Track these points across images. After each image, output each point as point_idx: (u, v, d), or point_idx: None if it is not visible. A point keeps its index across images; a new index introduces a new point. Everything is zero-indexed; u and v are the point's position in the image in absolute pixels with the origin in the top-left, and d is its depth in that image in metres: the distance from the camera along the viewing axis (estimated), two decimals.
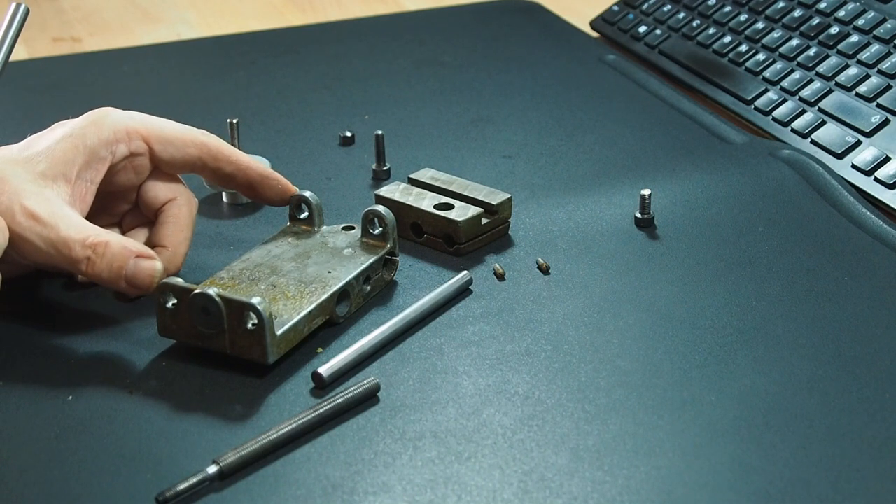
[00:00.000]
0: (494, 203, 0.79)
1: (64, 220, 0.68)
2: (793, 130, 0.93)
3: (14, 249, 0.68)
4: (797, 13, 1.02)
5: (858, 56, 0.95)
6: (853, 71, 0.94)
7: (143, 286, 0.69)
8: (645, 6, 1.14)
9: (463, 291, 0.74)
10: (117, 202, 0.76)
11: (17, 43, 0.70)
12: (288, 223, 0.77)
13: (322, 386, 0.65)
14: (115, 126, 0.73)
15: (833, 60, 0.96)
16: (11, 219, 0.68)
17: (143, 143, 0.73)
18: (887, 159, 0.86)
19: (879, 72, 0.92)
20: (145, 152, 0.73)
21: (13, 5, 0.71)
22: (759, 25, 1.03)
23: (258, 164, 0.76)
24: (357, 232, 0.75)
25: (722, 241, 0.79)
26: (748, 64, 1.01)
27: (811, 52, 0.98)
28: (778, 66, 0.99)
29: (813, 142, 0.91)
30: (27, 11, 0.70)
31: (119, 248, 0.68)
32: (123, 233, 0.76)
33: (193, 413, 0.64)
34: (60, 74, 1.09)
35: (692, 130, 0.95)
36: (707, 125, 0.95)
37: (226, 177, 0.75)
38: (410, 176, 0.82)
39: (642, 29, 1.12)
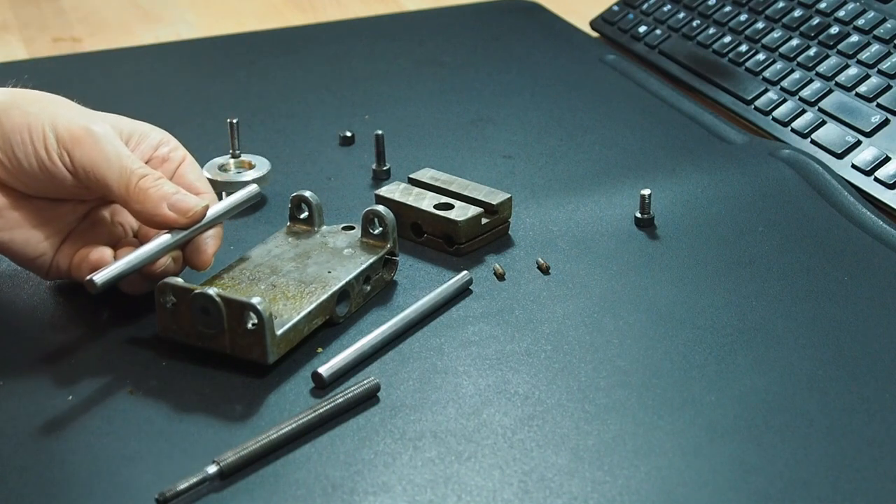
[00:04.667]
0: (494, 203, 0.79)
1: (120, 146, 0.70)
2: (793, 130, 0.93)
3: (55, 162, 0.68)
4: (797, 13, 1.02)
5: (858, 56, 0.95)
6: (853, 71, 0.94)
7: (185, 209, 0.69)
8: (645, 6, 1.14)
9: (463, 291, 0.74)
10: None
11: (232, 212, 0.73)
12: (288, 223, 0.77)
13: (322, 386, 0.65)
14: (168, 135, 0.74)
15: (833, 60, 0.96)
16: (67, 130, 0.69)
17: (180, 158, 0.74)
18: (887, 159, 0.86)
19: (879, 72, 0.92)
20: (177, 164, 0.73)
21: (252, 186, 0.75)
22: (759, 25, 1.03)
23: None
24: (357, 232, 0.75)
25: (722, 241, 0.79)
26: (748, 64, 1.01)
27: (811, 52, 0.98)
28: (778, 66, 0.99)
29: (813, 142, 0.91)
30: (258, 195, 0.75)
31: (170, 184, 0.70)
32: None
33: (193, 413, 0.64)
34: (60, 74, 1.09)
35: (692, 130, 0.95)
36: (707, 125, 0.95)
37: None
38: (410, 176, 0.82)
39: (642, 29, 1.12)
